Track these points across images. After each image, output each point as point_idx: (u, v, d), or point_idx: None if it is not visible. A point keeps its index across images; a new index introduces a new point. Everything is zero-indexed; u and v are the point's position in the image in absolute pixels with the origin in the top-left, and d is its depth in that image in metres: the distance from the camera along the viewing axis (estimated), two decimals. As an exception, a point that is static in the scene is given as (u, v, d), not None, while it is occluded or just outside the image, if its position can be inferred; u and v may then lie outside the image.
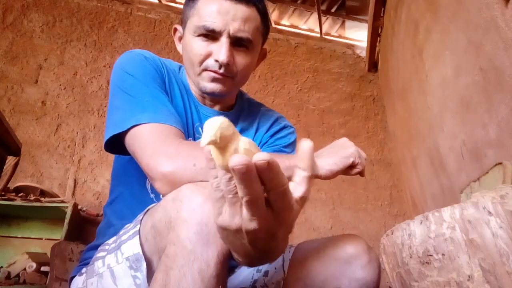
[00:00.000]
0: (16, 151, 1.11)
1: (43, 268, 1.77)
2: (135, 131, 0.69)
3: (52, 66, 2.58)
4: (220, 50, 0.77)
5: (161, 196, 0.67)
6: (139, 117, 0.70)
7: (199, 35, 0.79)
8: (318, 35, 3.11)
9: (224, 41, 0.78)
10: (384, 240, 0.63)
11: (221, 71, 0.79)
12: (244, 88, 3.09)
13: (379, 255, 0.73)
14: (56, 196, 2.02)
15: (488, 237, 0.48)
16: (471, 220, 0.50)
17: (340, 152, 0.76)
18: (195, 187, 0.56)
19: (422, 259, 0.53)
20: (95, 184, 2.34)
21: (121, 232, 0.71)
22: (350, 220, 2.54)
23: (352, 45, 3.14)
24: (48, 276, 1.64)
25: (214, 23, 0.77)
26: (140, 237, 0.64)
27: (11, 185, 1.92)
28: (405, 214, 2.56)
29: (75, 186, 2.32)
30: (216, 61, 0.78)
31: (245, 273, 0.91)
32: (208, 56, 0.80)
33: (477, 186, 1.14)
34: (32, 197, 1.87)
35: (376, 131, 2.86)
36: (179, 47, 0.89)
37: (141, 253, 0.62)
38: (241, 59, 0.82)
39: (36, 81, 2.53)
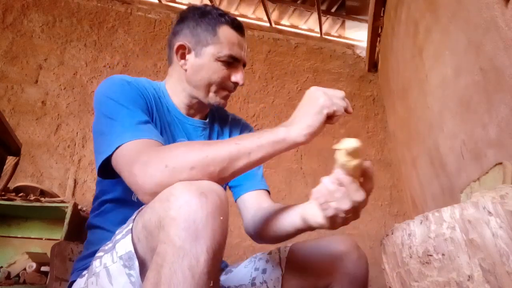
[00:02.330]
0: (16, 151, 1.11)
1: (43, 268, 1.77)
2: (118, 151, 0.72)
3: (52, 66, 2.59)
4: (240, 76, 0.94)
5: None
6: (121, 137, 0.73)
7: (221, 60, 0.92)
8: (318, 35, 3.11)
9: (241, 67, 0.95)
10: (384, 240, 0.63)
11: (234, 90, 0.96)
12: (244, 88, 3.07)
13: (379, 255, 0.73)
14: (56, 196, 2.02)
15: (488, 237, 0.48)
16: (471, 220, 0.50)
17: (310, 110, 0.69)
18: (181, 185, 0.58)
19: (422, 259, 0.53)
20: (95, 184, 2.34)
21: (117, 232, 0.72)
22: (350, 220, 2.54)
23: (352, 45, 3.14)
24: (48, 276, 1.64)
25: (237, 54, 0.93)
26: (132, 237, 0.65)
27: (11, 185, 1.92)
28: (405, 214, 2.57)
29: (75, 186, 2.32)
30: (235, 83, 0.94)
31: (243, 271, 0.93)
32: (227, 78, 0.93)
33: (477, 186, 1.14)
34: (32, 197, 1.87)
35: (376, 131, 2.86)
36: (180, 62, 0.95)
37: (133, 251, 0.63)
38: None
39: (36, 81, 2.53)
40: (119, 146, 0.72)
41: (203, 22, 0.94)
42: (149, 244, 0.61)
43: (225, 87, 0.94)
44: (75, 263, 0.90)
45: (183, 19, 0.99)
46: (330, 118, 0.70)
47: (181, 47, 0.95)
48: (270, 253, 0.95)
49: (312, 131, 0.68)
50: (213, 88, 0.93)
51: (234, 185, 1.01)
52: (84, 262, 0.85)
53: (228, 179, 0.68)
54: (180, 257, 0.52)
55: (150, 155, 0.67)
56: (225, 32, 0.93)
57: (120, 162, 0.71)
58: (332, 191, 0.64)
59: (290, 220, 0.79)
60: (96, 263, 0.70)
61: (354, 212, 0.66)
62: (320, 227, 0.70)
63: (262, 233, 0.88)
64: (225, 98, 0.96)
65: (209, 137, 1.01)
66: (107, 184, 0.90)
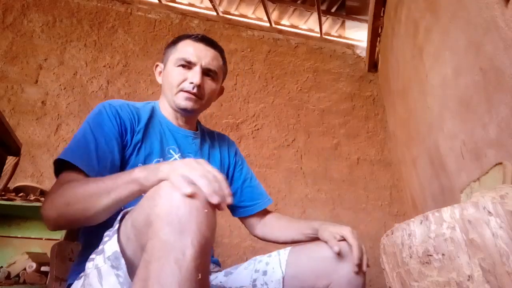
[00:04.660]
0: (16, 151, 1.11)
1: (43, 268, 1.77)
2: (60, 172, 0.83)
3: (52, 66, 2.58)
4: (195, 75, 1.02)
5: None
6: (66, 152, 0.84)
7: (178, 66, 1.03)
8: (318, 35, 3.11)
9: (197, 69, 1.03)
10: (384, 240, 0.63)
11: (194, 91, 1.02)
12: (244, 88, 3.06)
13: (379, 255, 0.73)
14: (56, 196, 2.01)
15: (488, 237, 0.48)
16: (471, 220, 0.50)
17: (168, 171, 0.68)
18: (166, 182, 0.60)
19: (422, 259, 0.53)
20: (95, 184, 2.34)
21: (105, 234, 0.74)
22: (350, 220, 2.54)
23: (352, 45, 3.14)
24: (48, 276, 1.64)
25: (191, 56, 1.03)
26: (119, 236, 0.67)
27: (11, 185, 1.92)
28: (405, 214, 2.57)
29: (75, 186, 2.32)
30: (191, 83, 1.02)
31: (243, 273, 0.95)
32: (184, 80, 1.03)
33: (477, 186, 1.14)
34: (32, 197, 1.87)
35: (376, 131, 2.86)
36: (159, 79, 1.11)
37: (119, 251, 0.65)
38: (208, 85, 1.06)
39: (36, 81, 2.53)
40: (62, 160, 0.82)
41: (171, 44, 1.10)
42: (138, 242, 0.62)
43: (182, 88, 1.03)
44: (72, 267, 0.90)
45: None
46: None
47: (156, 66, 1.13)
48: (270, 255, 0.98)
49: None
50: (174, 91, 1.03)
51: (244, 205, 1.15)
52: (80, 266, 0.85)
53: (93, 220, 0.74)
54: (166, 252, 0.53)
55: (56, 189, 0.76)
56: (183, 42, 1.07)
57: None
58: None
59: (300, 232, 1.04)
60: (89, 265, 0.72)
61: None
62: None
63: (271, 239, 1.11)
64: (188, 99, 1.03)
65: (201, 146, 1.11)
66: None
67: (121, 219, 0.70)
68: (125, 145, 0.95)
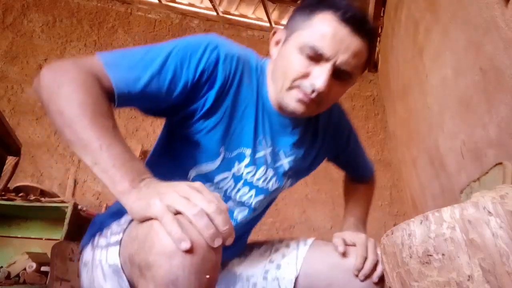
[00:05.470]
0: (16, 151, 1.11)
1: (43, 268, 1.78)
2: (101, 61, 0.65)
3: (52, 66, 2.59)
4: (320, 76, 0.72)
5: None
6: (112, 56, 0.66)
7: (304, 52, 0.73)
8: (318, 35, 3.11)
9: (327, 68, 0.72)
10: (384, 240, 0.63)
11: (312, 96, 0.73)
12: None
13: (379, 255, 0.73)
14: (56, 196, 2.02)
15: (488, 237, 0.48)
16: (471, 220, 0.50)
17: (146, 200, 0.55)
18: (164, 236, 0.49)
19: (422, 259, 0.53)
20: (95, 184, 2.34)
21: (114, 228, 0.70)
22: (350, 220, 2.54)
23: (352, 45, 3.14)
24: (48, 276, 1.64)
25: (325, 48, 0.71)
26: (120, 251, 0.63)
27: (11, 185, 1.92)
28: (405, 214, 2.57)
29: (75, 186, 2.32)
30: (311, 84, 0.73)
31: (258, 260, 0.89)
32: (305, 76, 0.74)
33: (477, 186, 1.14)
34: (32, 197, 1.87)
35: (376, 131, 2.86)
36: (273, 50, 0.84)
37: (119, 266, 0.62)
38: (334, 91, 0.76)
39: (36, 81, 2.53)
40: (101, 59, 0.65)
41: (305, 6, 0.77)
42: (132, 273, 0.58)
43: (299, 85, 0.74)
44: (94, 219, 0.87)
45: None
46: None
47: (275, 33, 0.85)
48: (288, 245, 0.88)
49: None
50: (286, 83, 0.75)
51: (351, 176, 1.17)
52: (101, 222, 0.81)
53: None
54: None
55: (76, 80, 0.59)
56: (324, 18, 0.73)
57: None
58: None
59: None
60: (97, 254, 0.70)
61: None
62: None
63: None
64: (300, 102, 0.74)
65: (300, 138, 0.85)
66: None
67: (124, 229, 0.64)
68: (200, 104, 0.73)
